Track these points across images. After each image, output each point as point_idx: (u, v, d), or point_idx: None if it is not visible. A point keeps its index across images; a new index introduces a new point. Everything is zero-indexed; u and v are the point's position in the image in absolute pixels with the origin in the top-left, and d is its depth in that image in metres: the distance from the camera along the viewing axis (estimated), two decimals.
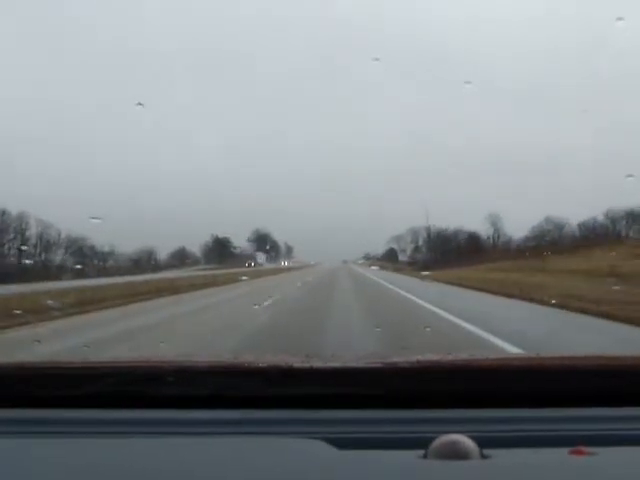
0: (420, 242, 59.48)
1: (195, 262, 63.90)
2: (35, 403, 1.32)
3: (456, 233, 58.84)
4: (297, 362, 1.41)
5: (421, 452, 0.97)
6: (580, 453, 0.97)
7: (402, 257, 61.68)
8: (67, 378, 1.40)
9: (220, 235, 60.17)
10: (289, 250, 71.80)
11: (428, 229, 56.52)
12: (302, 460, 0.99)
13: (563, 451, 0.98)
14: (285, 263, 63.78)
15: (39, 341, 8.42)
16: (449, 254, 52.44)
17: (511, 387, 1.31)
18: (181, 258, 63.76)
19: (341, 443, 1.05)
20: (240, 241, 62.95)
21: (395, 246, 62.57)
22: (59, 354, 7.33)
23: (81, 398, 1.33)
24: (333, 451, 1.02)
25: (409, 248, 60.65)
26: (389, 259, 61.56)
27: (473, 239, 56.50)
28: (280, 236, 65.72)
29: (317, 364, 1.42)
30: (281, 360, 1.50)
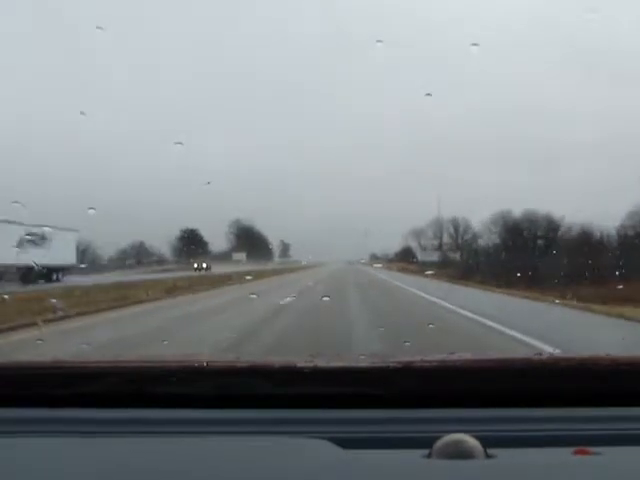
0: (445, 237, 47.02)
1: (161, 261, 51.32)
2: (36, 402, 1.31)
3: (529, 220, 35.36)
4: (301, 362, 1.40)
5: (425, 452, 0.98)
6: (584, 453, 0.98)
7: (424, 257, 46.38)
8: (69, 377, 1.39)
9: (192, 227, 47.05)
10: (285, 248, 60.99)
11: (455, 221, 45.74)
12: (306, 460, 0.99)
13: (567, 451, 0.99)
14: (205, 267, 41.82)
15: None
16: (519, 255, 29.65)
17: (515, 387, 1.31)
18: (138, 256, 50.64)
19: (345, 443, 1.05)
20: (229, 237, 53.16)
21: (413, 244, 48.83)
22: None
23: (83, 397, 1.33)
24: (337, 451, 1.02)
25: (430, 245, 46.89)
26: (403, 259, 48.80)
27: (550, 226, 33.83)
28: (276, 234, 55.51)
29: (321, 364, 1.42)
30: (285, 360, 1.49)
